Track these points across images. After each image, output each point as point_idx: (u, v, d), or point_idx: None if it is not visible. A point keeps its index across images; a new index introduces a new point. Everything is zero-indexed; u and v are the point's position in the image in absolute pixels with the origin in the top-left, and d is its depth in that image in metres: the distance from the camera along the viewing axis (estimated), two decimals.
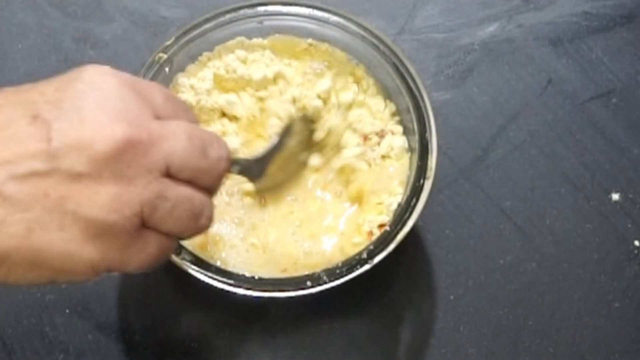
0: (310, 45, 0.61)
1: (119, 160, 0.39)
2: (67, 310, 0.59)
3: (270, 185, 0.54)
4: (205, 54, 0.60)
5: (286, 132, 0.54)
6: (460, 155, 0.64)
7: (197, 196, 0.43)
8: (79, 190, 0.39)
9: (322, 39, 0.61)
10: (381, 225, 0.56)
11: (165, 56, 0.58)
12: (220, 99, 0.60)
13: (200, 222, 0.44)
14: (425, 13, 0.70)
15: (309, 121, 0.55)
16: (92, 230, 0.40)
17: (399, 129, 0.60)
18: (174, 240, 0.44)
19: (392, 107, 0.60)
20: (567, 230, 0.62)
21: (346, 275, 0.52)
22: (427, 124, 0.56)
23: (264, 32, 0.61)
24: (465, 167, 0.64)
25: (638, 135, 0.65)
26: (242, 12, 0.60)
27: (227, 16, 0.60)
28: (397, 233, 0.53)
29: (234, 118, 0.60)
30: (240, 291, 0.52)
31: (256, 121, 0.60)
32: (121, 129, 0.39)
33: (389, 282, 0.60)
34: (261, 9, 0.60)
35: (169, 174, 0.42)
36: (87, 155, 0.39)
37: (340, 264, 0.53)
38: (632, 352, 0.58)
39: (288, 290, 0.52)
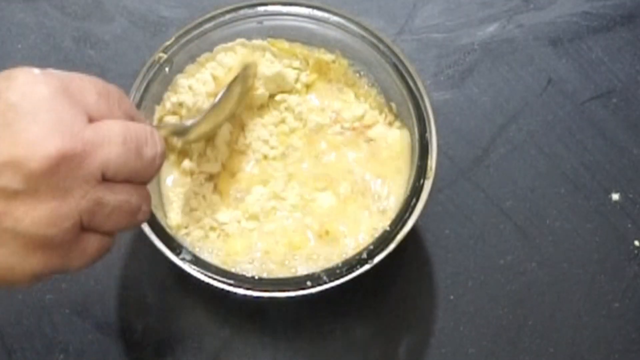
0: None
1: (55, 175, 0.39)
2: (67, 310, 0.59)
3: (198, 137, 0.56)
4: (205, 55, 0.60)
5: (227, 92, 0.55)
6: (460, 155, 0.64)
7: (134, 194, 0.43)
8: (16, 207, 0.39)
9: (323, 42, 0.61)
10: None
11: (165, 56, 0.58)
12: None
13: (138, 218, 0.45)
14: (425, 13, 0.70)
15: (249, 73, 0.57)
16: (32, 244, 0.40)
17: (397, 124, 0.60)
18: (113, 236, 0.44)
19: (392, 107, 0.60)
20: (567, 230, 0.62)
21: (346, 275, 0.52)
22: (427, 124, 0.56)
23: (264, 32, 0.61)
24: (465, 167, 0.64)
25: (638, 135, 0.65)
26: (242, 12, 0.60)
27: (227, 16, 0.60)
28: (397, 233, 0.53)
29: None
30: (240, 291, 0.52)
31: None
32: (54, 144, 0.39)
33: (389, 282, 0.60)
34: (261, 9, 0.60)
35: (105, 179, 0.42)
36: (21, 173, 0.39)
37: (340, 264, 0.53)
38: (632, 352, 0.58)
39: (288, 290, 0.52)
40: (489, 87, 0.67)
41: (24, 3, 0.70)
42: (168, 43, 0.59)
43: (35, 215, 0.39)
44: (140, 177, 0.44)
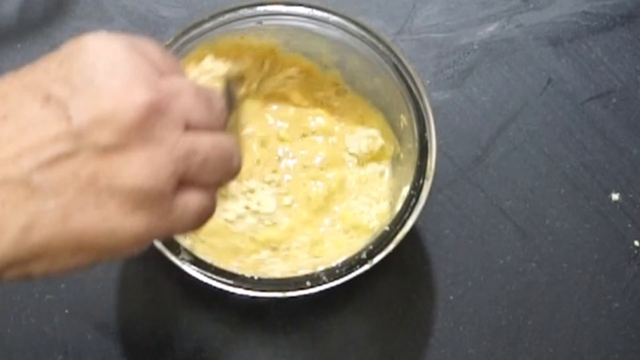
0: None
1: (143, 125, 0.38)
2: (67, 310, 0.59)
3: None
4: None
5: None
6: (460, 155, 0.64)
7: (222, 139, 0.42)
8: (109, 164, 0.37)
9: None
10: None
11: None
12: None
13: (234, 164, 0.43)
14: (425, 13, 0.70)
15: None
16: (130, 200, 0.38)
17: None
18: (213, 193, 0.42)
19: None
20: (567, 230, 0.62)
21: (346, 275, 0.52)
22: (426, 124, 0.56)
23: (263, 32, 0.61)
24: (465, 167, 0.64)
25: (638, 135, 0.65)
26: (241, 12, 0.60)
27: (227, 16, 0.59)
28: (397, 233, 0.53)
29: None
30: (240, 291, 0.52)
31: None
32: (139, 93, 0.38)
33: (389, 282, 0.60)
34: (261, 8, 0.60)
35: (188, 127, 0.40)
36: (110, 127, 0.37)
37: (339, 264, 0.53)
38: (632, 352, 0.58)
39: (288, 290, 0.52)
40: (489, 87, 0.67)
41: (22, 2, 0.70)
42: (167, 43, 0.58)
43: (130, 168, 0.38)
44: (215, 130, 0.42)
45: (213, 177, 0.41)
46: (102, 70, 0.38)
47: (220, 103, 0.43)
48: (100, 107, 0.37)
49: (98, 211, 0.38)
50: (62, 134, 0.37)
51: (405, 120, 0.58)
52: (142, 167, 0.38)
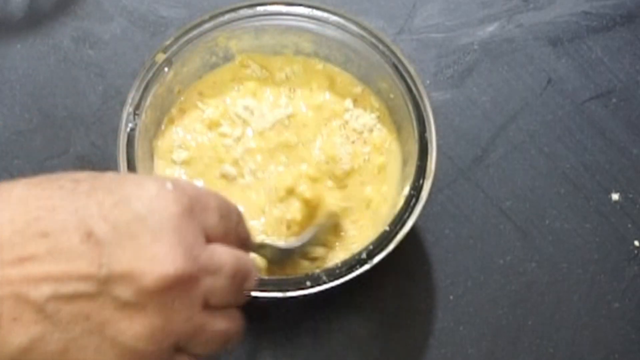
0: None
1: (166, 294, 0.39)
2: None
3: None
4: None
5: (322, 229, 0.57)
6: (460, 155, 0.64)
7: (232, 324, 0.44)
8: (121, 318, 0.39)
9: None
10: None
11: (164, 56, 0.58)
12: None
13: (229, 345, 0.45)
14: (425, 13, 0.70)
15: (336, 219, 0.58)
16: (127, 356, 0.40)
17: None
18: (202, 358, 0.45)
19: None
20: (567, 230, 0.62)
21: (345, 275, 0.52)
22: (426, 124, 0.56)
23: (263, 33, 0.61)
24: (465, 167, 0.64)
25: (638, 135, 0.65)
26: (241, 12, 0.60)
27: (227, 16, 0.60)
28: (397, 233, 0.53)
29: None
30: None
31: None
32: (173, 265, 0.39)
33: (389, 282, 0.60)
34: (261, 8, 0.60)
35: (207, 305, 0.42)
36: (135, 287, 0.39)
37: (339, 264, 0.53)
38: (632, 352, 0.58)
39: (288, 290, 0.52)
40: (489, 87, 0.67)
41: (22, 3, 0.70)
42: (167, 43, 0.59)
43: (139, 329, 0.39)
44: (234, 305, 0.44)
45: (206, 352, 0.43)
46: (149, 230, 0.39)
47: (251, 284, 0.44)
48: (134, 264, 0.39)
49: (95, 355, 0.39)
50: (88, 276, 0.38)
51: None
52: (148, 332, 0.39)
